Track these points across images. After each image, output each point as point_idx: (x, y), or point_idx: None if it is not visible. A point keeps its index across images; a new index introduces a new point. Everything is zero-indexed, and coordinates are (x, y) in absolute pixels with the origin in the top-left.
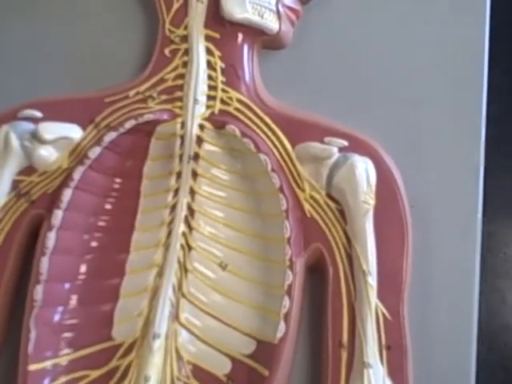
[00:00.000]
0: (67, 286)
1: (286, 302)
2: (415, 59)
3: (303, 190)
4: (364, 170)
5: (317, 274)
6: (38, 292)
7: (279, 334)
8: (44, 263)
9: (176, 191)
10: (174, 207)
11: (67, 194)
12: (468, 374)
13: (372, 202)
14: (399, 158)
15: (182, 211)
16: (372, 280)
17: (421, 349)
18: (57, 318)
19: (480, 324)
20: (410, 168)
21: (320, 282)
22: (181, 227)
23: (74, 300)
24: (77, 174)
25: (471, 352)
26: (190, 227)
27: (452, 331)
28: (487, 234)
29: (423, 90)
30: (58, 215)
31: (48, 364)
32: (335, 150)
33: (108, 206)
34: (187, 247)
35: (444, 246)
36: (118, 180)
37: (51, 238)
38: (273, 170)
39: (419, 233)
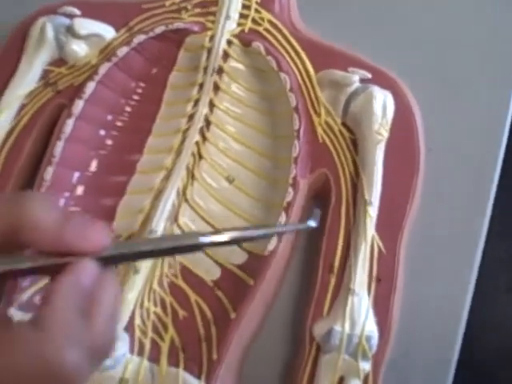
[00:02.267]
0: (77, 174)
1: (283, 217)
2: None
3: (319, 115)
4: (382, 100)
5: (320, 201)
6: (49, 173)
7: (270, 247)
8: (58, 147)
9: (196, 102)
10: (191, 117)
11: (90, 87)
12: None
13: (386, 134)
14: (424, 100)
15: (199, 122)
16: (372, 211)
17: (412, 287)
18: (62, 202)
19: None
20: (434, 111)
21: (322, 208)
22: (195, 136)
23: (80, 189)
24: (102, 69)
25: (466, 297)
26: (204, 138)
27: (450, 278)
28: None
29: (454, 34)
30: (78, 105)
31: None
32: (356, 77)
33: (128, 108)
34: (198, 156)
35: (456, 196)
36: (142, 84)
37: (69, 125)
38: (291, 89)
39: (433, 177)
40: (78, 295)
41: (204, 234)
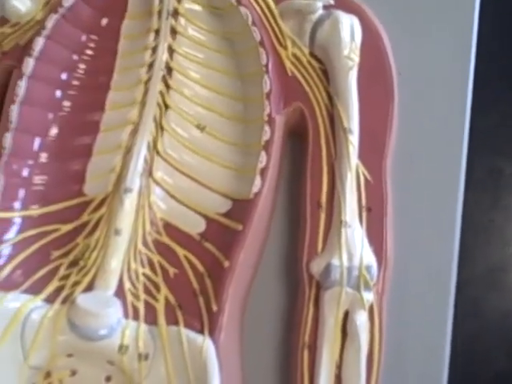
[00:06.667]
0: (38, 140)
1: (263, 157)
2: None
3: (285, 48)
4: (349, 25)
5: (298, 137)
6: (7, 139)
7: (255, 189)
8: (14, 111)
9: (154, 49)
10: (151, 66)
11: (39, 43)
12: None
13: (356, 58)
14: (390, 25)
15: (160, 70)
16: (353, 139)
17: (402, 215)
18: (26, 171)
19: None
20: (401, 36)
21: (302, 146)
22: (158, 86)
23: (44, 156)
24: (49, 23)
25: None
26: (167, 86)
27: (436, 197)
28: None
29: None
30: (29, 63)
31: (16, 215)
32: (320, 4)
33: (82, 65)
34: (164, 106)
35: (432, 117)
36: (93, 37)
37: (21, 87)
38: (253, 23)
39: (406, 101)
40: None
41: None
